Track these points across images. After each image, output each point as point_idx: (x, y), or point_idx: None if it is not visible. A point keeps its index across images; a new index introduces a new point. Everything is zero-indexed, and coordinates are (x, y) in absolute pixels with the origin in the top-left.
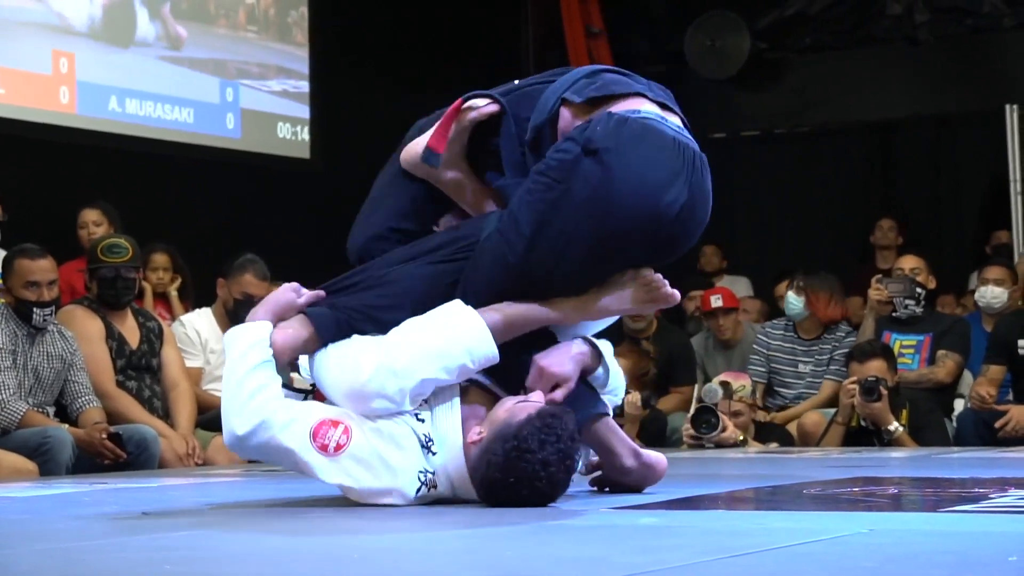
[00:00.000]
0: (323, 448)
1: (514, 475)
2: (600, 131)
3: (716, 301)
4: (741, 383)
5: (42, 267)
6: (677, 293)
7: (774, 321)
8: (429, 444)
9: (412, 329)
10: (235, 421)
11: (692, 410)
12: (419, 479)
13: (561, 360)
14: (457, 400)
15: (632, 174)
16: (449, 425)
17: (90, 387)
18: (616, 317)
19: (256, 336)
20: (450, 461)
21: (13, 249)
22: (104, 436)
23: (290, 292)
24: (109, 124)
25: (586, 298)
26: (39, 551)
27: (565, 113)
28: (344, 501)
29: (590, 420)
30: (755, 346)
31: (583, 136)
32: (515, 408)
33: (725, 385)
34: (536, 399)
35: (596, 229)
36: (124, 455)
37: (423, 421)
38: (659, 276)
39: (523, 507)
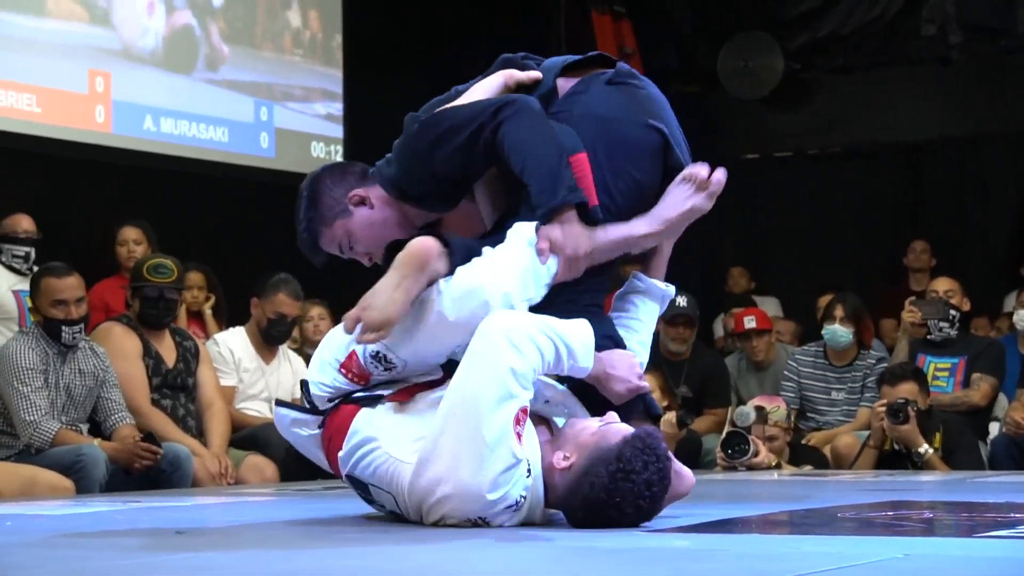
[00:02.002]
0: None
1: (620, 496)
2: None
3: (749, 322)
4: (775, 406)
5: (69, 285)
6: (721, 171)
7: (804, 347)
8: (529, 467)
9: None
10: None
11: (724, 434)
12: (518, 499)
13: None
14: (530, 422)
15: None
16: (533, 449)
17: (123, 404)
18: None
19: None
20: (536, 486)
21: (40, 268)
22: (138, 439)
23: None
24: (144, 143)
25: (649, 215)
26: (76, 570)
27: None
28: (376, 520)
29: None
30: (786, 372)
31: (599, 78)
32: (606, 431)
33: (759, 409)
34: (614, 419)
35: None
36: (160, 451)
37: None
38: (696, 167)
39: (615, 527)
